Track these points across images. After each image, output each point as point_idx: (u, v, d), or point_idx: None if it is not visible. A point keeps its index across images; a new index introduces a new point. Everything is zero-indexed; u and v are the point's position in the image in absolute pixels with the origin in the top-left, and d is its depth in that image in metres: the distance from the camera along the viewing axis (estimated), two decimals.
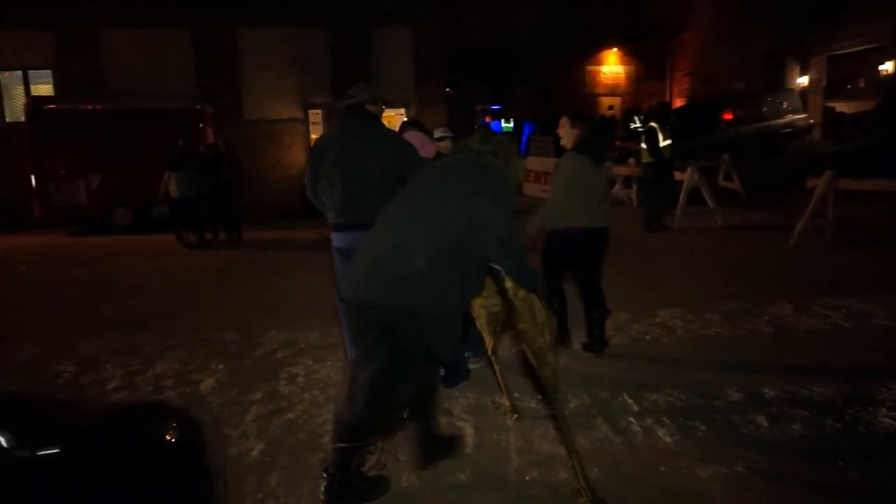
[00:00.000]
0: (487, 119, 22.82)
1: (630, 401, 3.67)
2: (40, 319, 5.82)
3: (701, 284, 6.30)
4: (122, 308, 6.14)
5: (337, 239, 3.69)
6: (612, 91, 25.25)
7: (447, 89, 16.76)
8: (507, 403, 3.59)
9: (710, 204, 9.61)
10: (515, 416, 3.54)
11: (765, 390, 3.71)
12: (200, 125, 12.16)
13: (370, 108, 3.71)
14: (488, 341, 3.51)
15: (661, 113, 10.05)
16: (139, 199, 11.70)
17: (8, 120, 14.16)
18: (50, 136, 11.67)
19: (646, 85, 24.97)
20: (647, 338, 4.78)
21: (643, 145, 9.48)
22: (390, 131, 3.81)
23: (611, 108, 24.78)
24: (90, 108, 11.76)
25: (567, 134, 4.34)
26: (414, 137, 3.99)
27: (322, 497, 2.70)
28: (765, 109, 14.80)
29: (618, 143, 20.98)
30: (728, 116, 14.88)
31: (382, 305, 2.45)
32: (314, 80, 14.60)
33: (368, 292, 2.49)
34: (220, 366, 4.43)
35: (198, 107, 12.30)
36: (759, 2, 17.89)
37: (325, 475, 2.72)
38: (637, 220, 10.25)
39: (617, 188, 12.23)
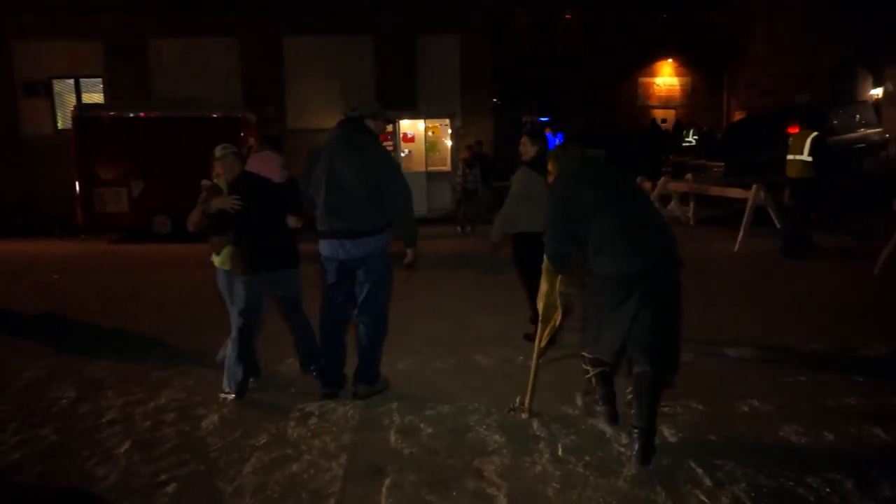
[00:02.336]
0: (548, 131, 22.19)
1: (699, 470, 3.03)
2: (55, 334, 5.54)
3: (772, 318, 5.57)
4: (140, 324, 5.82)
5: (322, 246, 3.91)
6: (666, 103, 24.32)
7: (494, 100, 16.27)
8: (527, 403, 3.72)
9: (778, 225, 8.79)
10: (525, 415, 3.67)
11: (872, 473, 3.01)
12: (242, 134, 11.97)
13: (369, 122, 3.92)
14: (549, 331, 3.74)
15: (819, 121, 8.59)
16: (179, 208, 11.56)
17: (60, 127, 14.39)
18: (94, 143, 11.67)
19: (701, 97, 23.96)
20: (716, 383, 4.11)
21: (801, 156, 7.96)
22: (380, 149, 4.01)
23: (664, 121, 23.82)
24: (133, 115, 11.71)
25: (527, 151, 4.92)
26: (268, 160, 4.20)
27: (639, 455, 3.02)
28: (835, 123, 13.75)
29: (671, 157, 20.16)
30: (793, 130, 13.86)
31: (674, 264, 3.23)
32: (358, 90, 14.30)
33: (665, 255, 3.21)
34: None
35: (240, 115, 12.13)
36: (827, 10, 16.82)
37: (636, 432, 3.04)
38: (694, 241, 9.49)
39: (672, 205, 11.45)
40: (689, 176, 11.53)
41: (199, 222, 3.99)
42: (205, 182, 4.16)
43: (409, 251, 4.00)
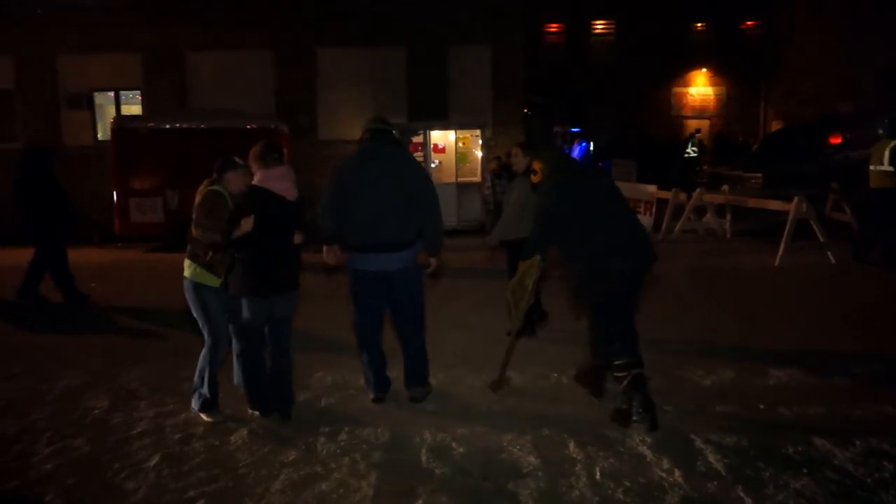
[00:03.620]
0: (577, 142, 21.94)
1: (748, 500, 2.87)
2: (91, 342, 5.59)
3: (818, 336, 5.34)
4: (173, 334, 5.84)
5: (356, 260, 3.90)
6: (700, 114, 23.89)
7: (525, 110, 16.17)
8: (499, 378, 4.16)
9: (821, 238, 8.49)
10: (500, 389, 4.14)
11: None
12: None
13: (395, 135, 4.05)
14: (522, 312, 4.02)
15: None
16: None
17: (100, 138, 14.73)
18: (132, 153, 11.89)
19: (737, 107, 23.49)
20: (761, 406, 3.93)
21: (882, 167, 7.73)
22: (414, 160, 4.19)
23: (698, 131, 23.40)
24: (169, 126, 11.92)
25: (518, 162, 5.20)
26: (284, 177, 3.79)
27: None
28: (880, 132, 13.28)
29: (706, 168, 19.75)
30: (836, 140, 13.49)
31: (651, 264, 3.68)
32: (390, 100, 14.35)
33: (649, 259, 3.67)
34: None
35: (273, 126, 12.25)
36: (871, 14, 16.31)
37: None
38: (731, 254, 9.23)
39: (708, 217, 11.18)
40: (725, 187, 11.25)
41: (214, 241, 3.64)
42: (210, 189, 3.77)
43: (433, 260, 4.06)
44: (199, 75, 14.58)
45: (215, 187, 3.77)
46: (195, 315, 3.85)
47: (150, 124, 12.16)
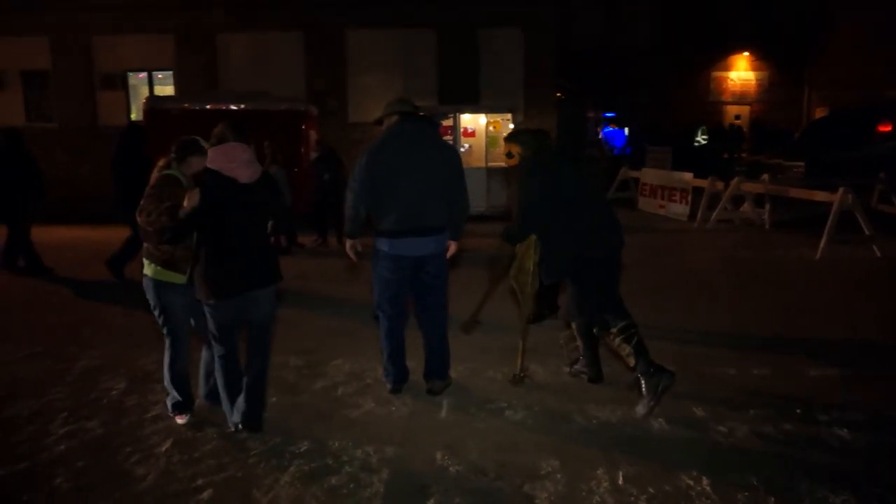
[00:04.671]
0: (613, 126, 21.44)
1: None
2: (113, 323, 5.60)
3: (860, 335, 5.05)
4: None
5: (393, 246, 3.70)
6: (741, 99, 23.08)
7: (557, 94, 15.81)
8: (519, 371, 4.12)
9: (867, 231, 8.09)
10: (523, 377, 4.12)
11: None
12: (303, 126, 12.04)
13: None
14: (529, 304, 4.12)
15: None
16: None
17: (133, 118, 14.88)
18: (163, 133, 11.91)
19: (779, 92, 22.60)
20: (797, 410, 3.70)
21: None
22: (445, 141, 4.18)
23: (737, 117, 22.68)
24: (200, 107, 11.94)
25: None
26: (231, 154, 3.27)
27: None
28: None
29: (744, 155, 19.11)
30: (886, 128, 12.83)
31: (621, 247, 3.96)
32: (419, 83, 14.18)
33: (620, 243, 3.93)
34: (273, 399, 3.88)
35: (302, 108, 12.19)
36: None
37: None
38: (770, 246, 8.87)
39: (746, 207, 10.78)
40: (765, 176, 10.82)
41: (161, 226, 3.13)
42: (164, 173, 3.33)
43: (454, 245, 3.92)
44: (230, 56, 14.59)
45: (171, 171, 3.34)
46: (155, 315, 3.51)
47: (181, 105, 12.20)
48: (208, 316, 3.34)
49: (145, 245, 3.43)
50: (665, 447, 3.26)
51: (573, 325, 4.12)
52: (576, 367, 4.25)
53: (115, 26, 14.31)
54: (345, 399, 3.93)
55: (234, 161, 3.20)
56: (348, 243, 3.93)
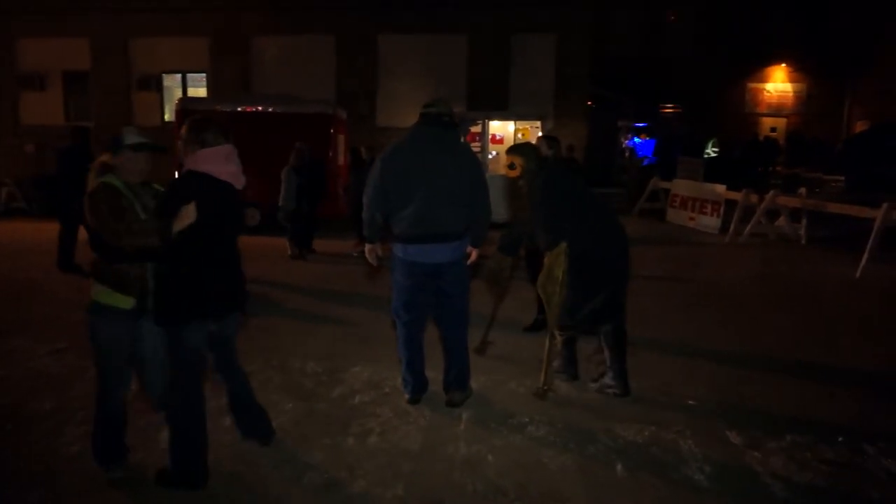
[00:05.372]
0: (644, 137, 21.12)
1: None
2: None
3: None
4: None
5: (410, 252, 3.61)
6: (777, 111, 22.55)
7: (589, 102, 15.62)
8: (542, 382, 4.05)
9: None
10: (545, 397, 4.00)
11: None
12: (332, 130, 12.07)
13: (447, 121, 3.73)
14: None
15: None
16: (268, 201, 11.78)
17: (167, 119, 15.13)
18: None
19: (817, 105, 22.01)
20: (839, 439, 3.49)
21: None
22: (467, 145, 4.10)
23: (773, 129, 22.15)
24: (231, 109, 12.05)
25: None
26: (230, 158, 2.88)
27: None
28: None
29: (779, 168, 18.63)
30: None
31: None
32: (449, 89, 14.12)
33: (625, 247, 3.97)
34: (289, 405, 3.81)
35: (331, 112, 12.22)
36: None
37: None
38: (807, 263, 8.57)
39: (781, 221, 10.46)
40: (802, 190, 10.49)
41: (145, 247, 2.71)
42: (100, 182, 2.82)
43: (475, 252, 3.82)
44: (262, 60, 14.76)
45: (107, 179, 2.83)
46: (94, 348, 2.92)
47: (212, 106, 12.32)
48: (177, 343, 2.83)
49: (93, 265, 2.89)
50: (695, 472, 3.09)
51: (602, 337, 4.06)
52: (602, 380, 4.11)
53: (151, 29, 14.59)
54: (362, 408, 3.83)
55: (233, 165, 2.86)
56: (367, 248, 3.85)
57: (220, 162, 2.82)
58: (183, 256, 2.76)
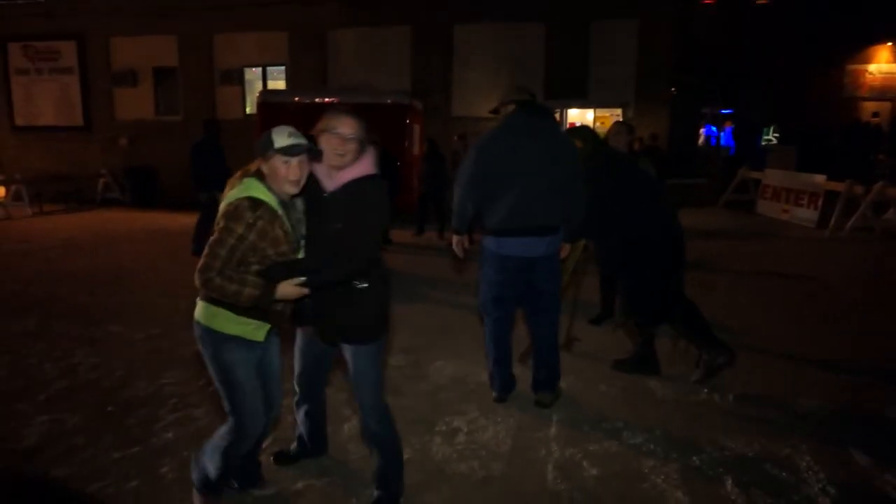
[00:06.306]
0: (729, 125, 20.13)
1: None
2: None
3: None
4: None
5: (503, 245, 3.45)
6: (881, 95, 20.85)
7: (672, 89, 14.91)
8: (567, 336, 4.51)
9: None
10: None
11: None
12: (408, 121, 12.06)
13: None
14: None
15: None
16: None
17: (248, 112, 15.58)
18: (274, 125, 12.37)
19: None
20: None
21: None
22: (566, 136, 3.78)
23: (875, 114, 20.53)
24: (309, 101, 12.25)
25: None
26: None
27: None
28: None
29: (881, 157, 17.23)
30: None
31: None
32: (526, 78, 13.81)
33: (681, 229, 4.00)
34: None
35: (407, 102, 12.21)
36: None
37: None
38: None
39: (890, 213, 9.63)
40: None
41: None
42: (243, 199, 2.26)
43: (567, 247, 3.68)
44: (340, 52, 14.91)
45: (254, 193, 2.27)
46: (217, 383, 2.52)
47: (291, 98, 12.58)
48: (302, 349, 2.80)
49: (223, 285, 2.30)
50: (819, 495, 2.79)
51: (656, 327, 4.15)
52: (701, 366, 3.95)
53: (233, 25, 15.02)
54: (448, 405, 3.72)
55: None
56: (455, 240, 3.71)
57: (369, 167, 2.50)
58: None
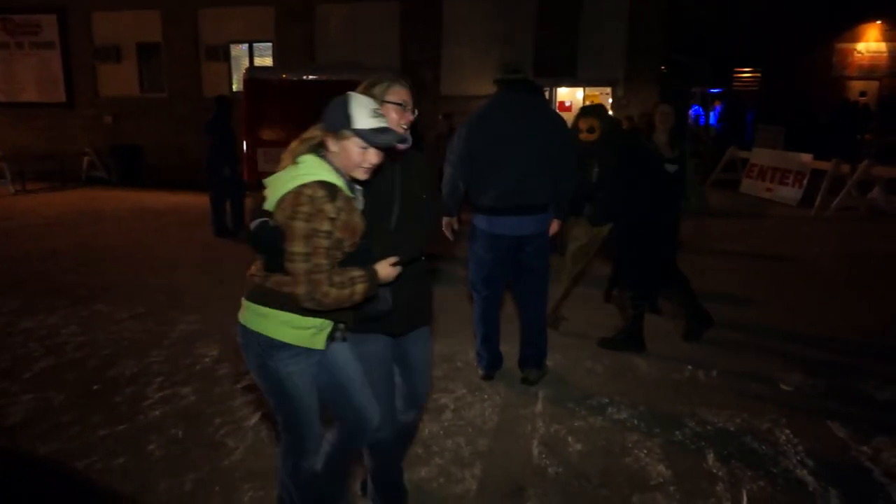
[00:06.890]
0: (717, 104, 20.12)
1: None
2: (211, 289, 5.70)
3: None
4: None
5: (493, 224, 3.44)
6: (869, 74, 20.89)
7: (662, 67, 14.85)
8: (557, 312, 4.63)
9: None
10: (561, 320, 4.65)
11: None
12: None
13: None
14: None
15: None
16: None
17: (235, 89, 15.36)
18: (261, 104, 12.19)
19: None
20: None
21: None
22: (557, 112, 3.77)
23: (863, 94, 20.59)
24: (296, 78, 12.08)
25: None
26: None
27: None
28: None
29: (868, 136, 17.31)
30: None
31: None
32: (516, 55, 13.69)
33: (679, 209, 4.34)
34: None
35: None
36: None
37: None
38: None
39: (875, 193, 9.71)
40: None
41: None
42: (314, 184, 1.83)
43: (556, 223, 3.65)
44: (328, 28, 14.68)
45: (324, 176, 1.85)
46: (271, 401, 2.15)
47: (277, 75, 12.40)
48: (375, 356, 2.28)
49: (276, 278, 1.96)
50: (797, 467, 2.86)
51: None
52: (688, 328, 4.38)
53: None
54: (435, 382, 3.73)
55: None
56: (444, 221, 3.69)
57: None
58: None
